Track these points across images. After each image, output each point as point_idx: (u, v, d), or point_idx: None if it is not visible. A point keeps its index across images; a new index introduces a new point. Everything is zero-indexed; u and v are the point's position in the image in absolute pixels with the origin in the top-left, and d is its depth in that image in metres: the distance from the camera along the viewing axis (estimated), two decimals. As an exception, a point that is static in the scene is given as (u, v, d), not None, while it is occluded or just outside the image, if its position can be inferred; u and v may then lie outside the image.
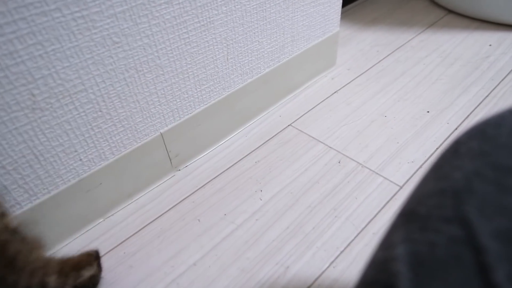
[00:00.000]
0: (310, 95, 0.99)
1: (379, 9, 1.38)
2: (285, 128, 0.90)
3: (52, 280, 0.49)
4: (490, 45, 1.11)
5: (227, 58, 0.77)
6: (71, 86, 0.56)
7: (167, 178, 0.79)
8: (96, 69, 0.58)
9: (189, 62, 0.70)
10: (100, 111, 0.62)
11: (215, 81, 0.77)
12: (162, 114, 0.71)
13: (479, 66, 1.03)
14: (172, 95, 0.71)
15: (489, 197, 0.21)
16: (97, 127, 0.63)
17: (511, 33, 1.15)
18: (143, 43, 0.61)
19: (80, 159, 0.64)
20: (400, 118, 0.89)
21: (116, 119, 0.65)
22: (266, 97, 0.92)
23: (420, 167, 0.77)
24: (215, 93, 0.79)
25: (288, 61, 0.91)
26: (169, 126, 0.74)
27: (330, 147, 0.83)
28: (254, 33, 0.79)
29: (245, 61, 0.81)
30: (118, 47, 0.59)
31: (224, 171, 0.80)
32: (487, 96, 0.93)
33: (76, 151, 0.62)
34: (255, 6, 0.75)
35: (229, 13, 0.71)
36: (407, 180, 0.74)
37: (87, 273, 0.57)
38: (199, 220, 0.70)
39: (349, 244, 0.65)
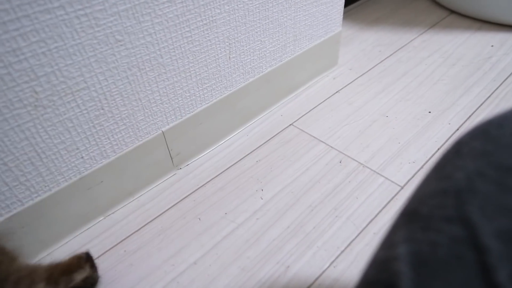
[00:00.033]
0: (311, 94, 0.99)
1: (381, 9, 1.38)
2: (286, 127, 0.90)
3: (40, 287, 0.49)
4: (492, 46, 1.11)
5: (229, 57, 0.77)
6: (74, 83, 0.56)
7: (168, 176, 0.79)
8: (99, 67, 0.58)
9: (191, 60, 0.70)
10: (102, 109, 0.62)
11: (217, 80, 0.77)
12: (163, 113, 0.71)
13: (481, 67, 1.03)
14: (174, 94, 0.71)
15: (491, 197, 0.21)
16: (99, 125, 0.63)
17: (513, 34, 1.15)
18: (145, 42, 0.61)
19: (82, 157, 0.64)
20: (402, 118, 0.89)
21: (118, 117, 0.65)
22: (267, 96, 0.92)
23: (421, 167, 0.77)
24: (216, 92, 0.79)
25: (290, 60, 0.91)
26: (171, 125, 0.74)
27: (331, 147, 0.83)
28: (256, 32, 0.79)
29: (247, 60, 0.81)
30: (121, 45, 0.59)
31: (225, 170, 0.80)
32: (489, 96, 0.93)
33: (77, 148, 0.62)
34: (257, 5, 0.75)
35: (231, 12, 0.71)
36: (408, 180, 0.74)
37: (79, 276, 0.56)
38: (199, 219, 0.71)
39: (349, 244, 0.65)
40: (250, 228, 0.68)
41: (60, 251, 0.67)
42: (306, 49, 0.94)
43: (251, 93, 0.86)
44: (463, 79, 0.99)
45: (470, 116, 0.88)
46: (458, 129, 0.85)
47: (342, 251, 0.64)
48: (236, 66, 0.79)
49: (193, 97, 0.75)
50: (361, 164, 0.79)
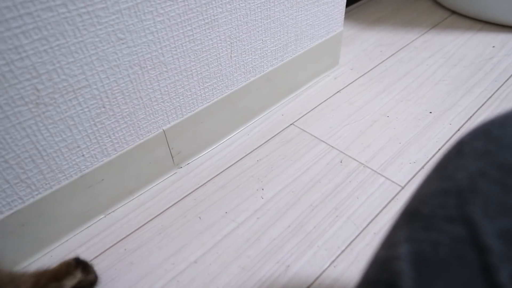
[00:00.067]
0: (312, 94, 0.99)
1: (383, 9, 1.38)
2: (287, 127, 0.90)
3: None
4: (493, 46, 1.11)
5: (231, 56, 0.77)
6: (75, 81, 0.57)
7: (169, 175, 0.79)
8: (100, 65, 0.58)
9: (193, 59, 0.70)
10: (104, 107, 0.62)
11: (218, 79, 0.77)
12: (165, 111, 0.71)
13: (482, 68, 1.03)
14: (175, 92, 0.71)
15: (493, 197, 0.21)
16: (100, 123, 0.63)
17: (515, 35, 1.15)
18: (147, 40, 0.61)
19: (83, 155, 0.64)
20: (403, 118, 0.89)
21: (119, 116, 0.65)
22: (268, 95, 0.92)
23: (422, 167, 0.77)
24: (218, 91, 0.79)
25: (291, 60, 0.91)
26: (172, 123, 0.74)
27: (332, 147, 0.83)
28: (258, 31, 0.79)
29: (249, 60, 0.81)
30: (123, 43, 0.59)
31: (226, 169, 0.80)
32: (490, 97, 0.93)
33: (78, 146, 0.62)
34: (259, 5, 0.75)
35: (233, 11, 0.71)
36: (409, 181, 0.74)
37: (69, 282, 0.56)
38: (200, 218, 0.71)
39: (350, 244, 0.65)
40: (251, 227, 0.68)
41: (60, 249, 0.67)
42: (307, 48, 0.94)
43: (252, 92, 0.86)
44: (464, 80, 0.99)
45: (471, 116, 0.88)
46: (459, 130, 0.85)
47: (343, 251, 0.64)
48: (238, 65, 0.79)
49: (194, 96, 0.75)
50: (362, 164, 0.79)
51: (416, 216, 0.23)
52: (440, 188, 0.24)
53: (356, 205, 0.71)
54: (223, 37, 0.73)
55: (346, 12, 1.37)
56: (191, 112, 0.76)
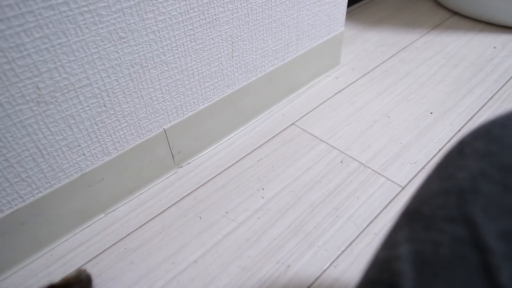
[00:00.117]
0: (313, 94, 0.99)
1: (384, 9, 1.38)
2: (288, 126, 0.90)
3: None
4: (494, 47, 1.11)
5: (232, 56, 0.77)
6: (76, 80, 0.57)
7: (169, 174, 0.79)
8: (102, 63, 0.58)
9: (194, 59, 0.70)
10: (105, 106, 0.62)
11: (219, 79, 0.77)
12: (165, 111, 0.71)
13: (483, 68, 1.03)
14: (176, 92, 0.71)
15: (494, 197, 0.21)
16: (101, 122, 0.63)
17: (516, 36, 1.15)
18: (149, 39, 0.61)
19: (83, 154, 0.64)
20: (404, 118, 0.89)
21: (120, 115, 0.65)
22: (269, 95, 0.92)
23: (423, 168, 0.77)
24: (219, 91, 0.79)
25: (292, 59, 0.91)
26: (173, 123, 0.74)
27: (332, 147, 0.83)
28: (259, 31, 0.79)
29: (250, 59, 0.81)
30: (124, 42, 0.59)
31: (226, 168, 0.80)
32: (490, 98, 0.93)
33: (79, 145, 0.62)
34: (260, 4, 0.75)
35: (235, 11, 0.71)
36: (410, 181, 0.74)
37: None
38: (200, 217, 0.71)
39: (350, 244, 0.65)
40: (251, 227, 0.68)
41: (60, 249, 0.67)
42: (308, 48, 0.94)
43: (253, 92, 0.86)
44: (465, 80, 0.99)
45: (472, 117, 0.88)
46: (459, 130, 0.85)
47: (343, 251, 0.64)
48: (239, 65, 0.79)
49: (195, 95, 0.75)
50: (363, 164, 0.78)
51: (417, 216, 0.23)
52: (441, 188, 0.24)
53: (357, 205, 0.71)
54: (224, 36, 0.73)
55: (347, 12, 1.37)
56: (192, 111, 0.76)
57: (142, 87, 0.65)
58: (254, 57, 0.81)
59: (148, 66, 0.64)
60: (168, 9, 0.61)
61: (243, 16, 0.73)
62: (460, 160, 0.25)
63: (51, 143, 0.59)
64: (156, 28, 0.61)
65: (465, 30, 1.21)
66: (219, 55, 0.74)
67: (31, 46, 0.50)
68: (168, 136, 0.74)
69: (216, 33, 0.71)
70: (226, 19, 0.71)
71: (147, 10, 0.59)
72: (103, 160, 0.67)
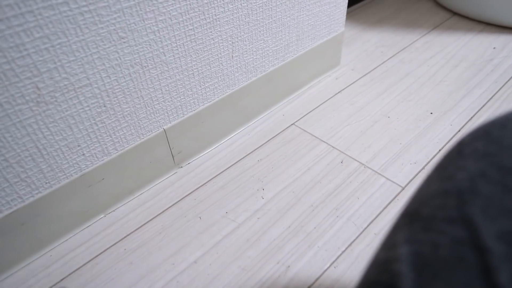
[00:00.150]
0: (314, 94, 0.99)
1: (384, 10, 1.38)
2: (288, 127, 0.90)
3: None
4: (494, 48, 1.11)
5: (232, 56, 0.77)
6: (76, 80, 0.57)
7: (169, 175, 0.79)
8: (102, 63, 0.58)
9: (194, 59, 0.70)
10: (104, 106, 0.62)
11: (220, 79, 0.77)
12: (165, 111, 0.71)
13: (483, 69, 1.03)
14: (176, 92, 0.71)
15: (493, 198, 0.21)
16: (101, 122, 0.63)
17: (516, 37, 1.15)
18: (149, 39, 0.61)
19: (83, 154, 0.64)
20: (404, 119, 0.89)
21: (120, 115, 0.65)
22: (269, 95, 0.92)
23: (423, 168, 0.77)
24: (219, 91, 0.79)
25: (292, 60, 0.91)
26: (173, 123, 0.74)
27: (333, 147, 0.83)
28: (260, 31, 0.79)
29: (250, 59, 0.81)
30: (124, 42, 0.59)
31: (226, 169, 0.80)
32: (490, 98, 0.93)
33: (79, 145, 0.62)
34: (261, 5, 0.75)
35: (235, 11, 0.71)
36: (410, 181, 0.74)
37: None
38: (200, 218, 0.71)
39: (350, 244, 0.65)
40: (251, 228, 0.68)
41: (60, 249, 0.67)
42: (308, 49, 0.94)
43: (253, 92, 0.86)
44: (465, 81, 0.99)
45: (472, 117, 0.88)
46: (459, 131, 0.85)
47: (343, 252, 0.64)
48: (239, 65, 0.79)
49: (195, 95, 0.75)
50: (363, 164, 0.78)
51: (416, 217, 0.23)
52: (440, 189, 0.24)
53: (357, 205, 0.71)
54: (225, 36, 0.73)
55: (347, 13, 1.37)
56: (192, 111, 0.76)
57: (142, 87, 0.65)
58: (254, 57, 0.81)
59: (148, 66, 0.64)
60: (168, 9, 0.61)
61: (243, 16, 0.73)
62: (459, 161, 0.25)
63: (50, 143, 0.59)
64: (156, 28, 0.61)
65: (465, 30, 1.21)
66: (219, 55, 0.74)
67: (31, 46, 0.50)
68: (168, 136, 0.74)
69: (216, 33, 0.71)
70: (226, 19, 0.71)
71: (147, 10, 0.59)
72: (103, 160, 0.67)
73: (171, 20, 0.63)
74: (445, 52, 1.11)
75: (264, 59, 0.84)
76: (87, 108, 0.60)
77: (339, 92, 0.99)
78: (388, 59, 1.11)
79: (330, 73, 1.06)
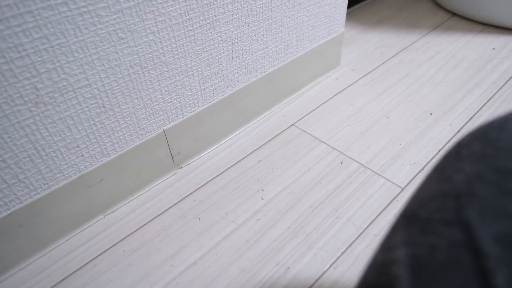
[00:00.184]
0: (313, 95, 0.99)
1: (384, 10, 1.38)
2: (288, 127, 0.90)
3: None
4: (493, 48, 1.11)
5: (232, 57, 0.77)
6: (75, 81, 0.56)
7: (169, 175, 0.79)
8: (101, 64, 0.58)
9: (194, 59, 0.70)
10: (104, 106, 0.62)
11: (219, 80, 0.77)
12: (165, 111, 0.71)
13: (483, 69, 1.03)
14: (176, 93, 0.71)
15: (490, 201, 0.21)
16: (100, 122, 0.63)
17: (516, 37, 1.15)
18: (148, 40, 0.61)
19: (82, 155, 0.64)
20: (403, 119, 0.89)
21: (119, 115, 0.65)
22: (269, 96, 0.92)
23: (422, 169, 0.77)
24: (218, 92, 0.79)
25: (292, 60, 0.91)
26: (172, 124, 0.74)
27: (332, 148, 0.83)
28: (259, 32, 0.79)
29: (250, 60, 0.81)
30: (124, 43, 0.59)
31: (226, 169, 0.80)
32: (490, 99, 0.92)
33: (78, 146, 0.62)
34: (260, 5, 0.75)
35: (235, 12, 0.71)
36: (409, 182, 0.74)
37: None
38: (200, 219, 0.70)
39: (350, 245, 0.65)
40: (251, 229, 0.68)
41: (58, 250, 0.67)
42: (308, 49, 0.94)
43: (253, 93, 0.86)
44: (464, 81, 0.99)
45: (471, 118, 0.88)
46: (459, 131, 0.84)
47: (343, 253, 0.64)
48: (239, 66, 0.79)
49: (195, 96, 0.75)
50: (362, 165, 0.78)
51: (414, 219, 0.23)
52: (438, 191, 0.24)
53: (356, 206, 0.71)
54: (225, 37, 0.73)
55: (347, 13, 1.37)
56: (191, 112, 0.76)
57: (141, 88, 0.65)
58: (254, 58, 0.81)
59: (147, 67, 0.64)
60: (168, 10, 0.61)
61: (243, 17, 0.73)
62: (457, 163, 0.25)
63: (49, 144, 0.59)
64: (155, 29, 0.61)
65: (465, 31, 1.21)
66: (219, 56, 0.74)
67: (30, 47, 0.50)
68: (168, 137, 0.74)
69: (216, 34, 0.71)
70: (226, 20, 0.71)
71: (147, 11, 0.59)
72: (102, 161, 0.67)
73: (171, 21, 0.63)
74: (445, 53, 1.11)
75: (264, 60, 0.84)
76: (86, 109, 0.60)
77: (339, 92, 0.99)
78: (388, 59, 1.11)
79: (330, 74, 1.06)
